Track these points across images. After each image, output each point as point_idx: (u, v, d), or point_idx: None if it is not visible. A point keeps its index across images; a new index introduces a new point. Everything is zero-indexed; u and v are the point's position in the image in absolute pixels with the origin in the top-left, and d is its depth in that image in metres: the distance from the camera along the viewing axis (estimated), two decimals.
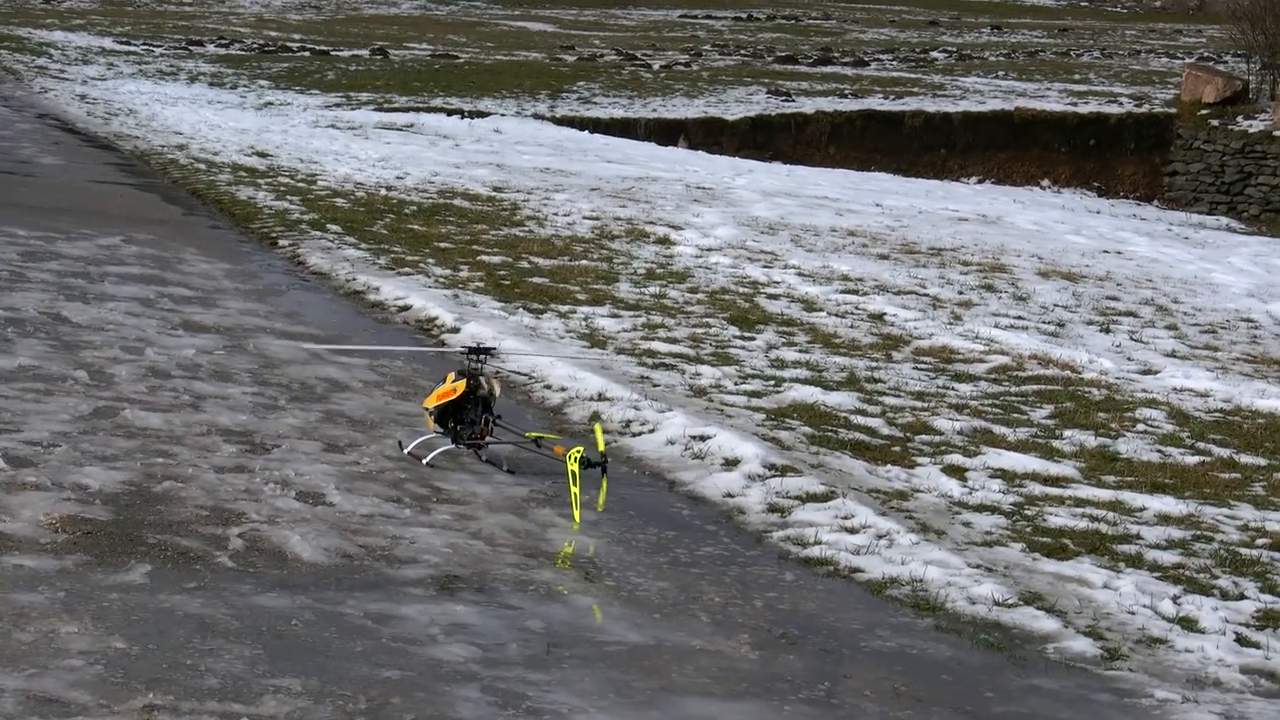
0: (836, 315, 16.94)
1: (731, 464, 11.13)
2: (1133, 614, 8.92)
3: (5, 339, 12.89)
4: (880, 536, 9.82)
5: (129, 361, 12.61)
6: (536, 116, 36.76)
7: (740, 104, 40.09)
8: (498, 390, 10.86)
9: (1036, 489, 11.16)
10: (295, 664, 7.32)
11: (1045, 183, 39.27)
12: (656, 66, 47.46)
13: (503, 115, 36.21)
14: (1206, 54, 56.27)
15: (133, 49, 47.18)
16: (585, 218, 22.43)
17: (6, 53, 43.57)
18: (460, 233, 20.34)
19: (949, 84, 45.73)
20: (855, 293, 18.26)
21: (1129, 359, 15.86)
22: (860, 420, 12.64)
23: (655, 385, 13.23)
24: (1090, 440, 12.56)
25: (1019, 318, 17.58)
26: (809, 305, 17.40)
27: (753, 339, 15.41)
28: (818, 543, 9.69)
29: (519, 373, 13.37)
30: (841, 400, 13.15)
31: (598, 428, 10.40)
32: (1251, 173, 37.07)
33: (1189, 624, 8.82)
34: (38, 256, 16.47)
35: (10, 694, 6.75)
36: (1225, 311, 19.20)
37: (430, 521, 9.55)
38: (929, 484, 11.11)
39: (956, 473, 11.38)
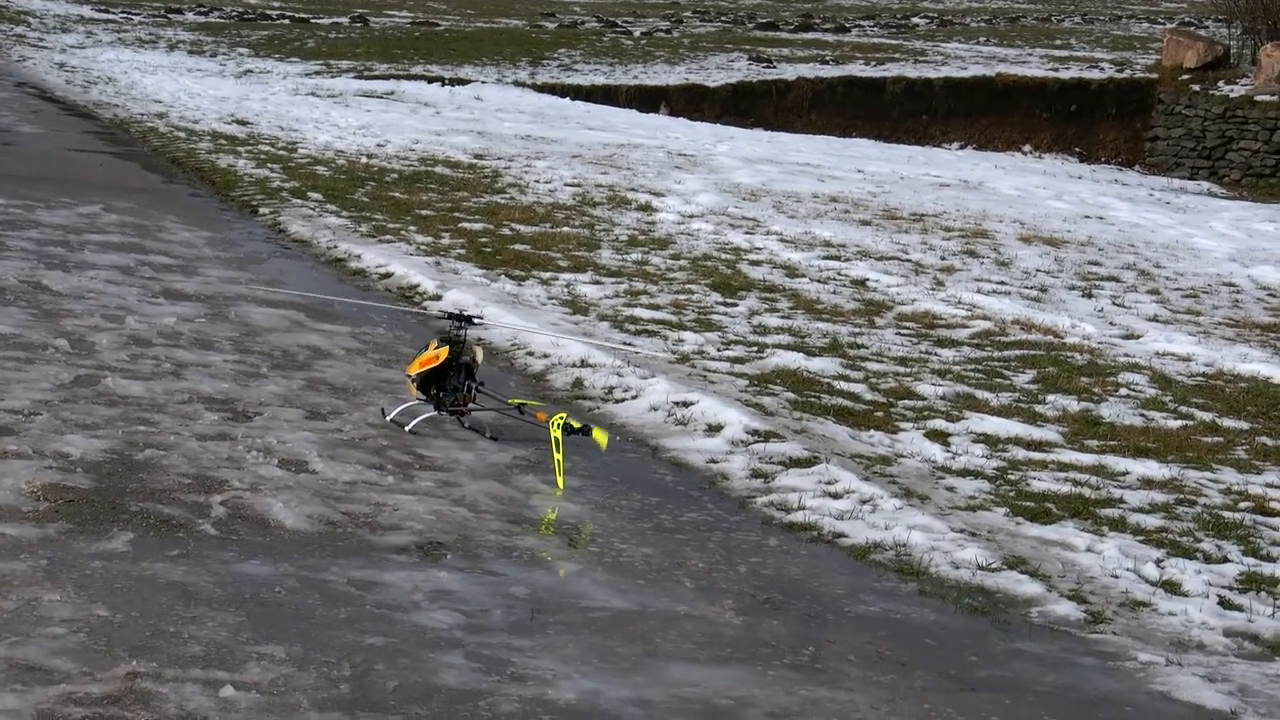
0: (819, 281, 16.93)
1: (715, 430, 11.12)
2: (1116, 578, 8.93)
3: None
4: (864, 502, 9.81)
5: (110, 330, 12.57)
6: (517, 84, 36.69)
7: (721, 70, 40.03)
8: (480, 357, 10.83)
9: (1020, 454, 11.16)
10: (279, 631, 7.30)
11: (1027, 148, 39.26)
12: (637, 33, 47.37)
13: (483, 83, 36.13)
14: (1188, 19, 56.26)
15: (111, 17, 47.01)
16: (567, 185, 22.40)
17: None
18: (441, 200, 20.29)
19: (930, 50, 45.69)
20: (837, 259, 18.25)
21: (1111, 324, 15.87)
22: (843, 386, 12.64)
23: (638, 351, 13.21)
24: (1073, 405, 12.56)
25: (1001, 283, 17.58)
26: (791, 271, 17.38)
27: (735, 305, 15.40)
28: (801, 508, 9.69)
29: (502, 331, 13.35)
30: (824, 366, 13.14)
31: (596, 433, 10.27)
32: (1233, 138, 37.07)
33: (1172, 587, 8.83)
34: (17, 225, 16.41)
35: None
36: (1207, 276, 19.21)
37: (413, 488, 9.54)
38: (912, 449, 11.11)
39: (939, 438, 11.38)
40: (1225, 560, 9.31)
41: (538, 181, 22.52)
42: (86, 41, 40.17)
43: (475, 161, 24.09)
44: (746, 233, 19.53)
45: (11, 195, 17.99)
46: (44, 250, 15.32)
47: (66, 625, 7.15)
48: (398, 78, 35.87)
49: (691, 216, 20.42)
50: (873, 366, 13.34)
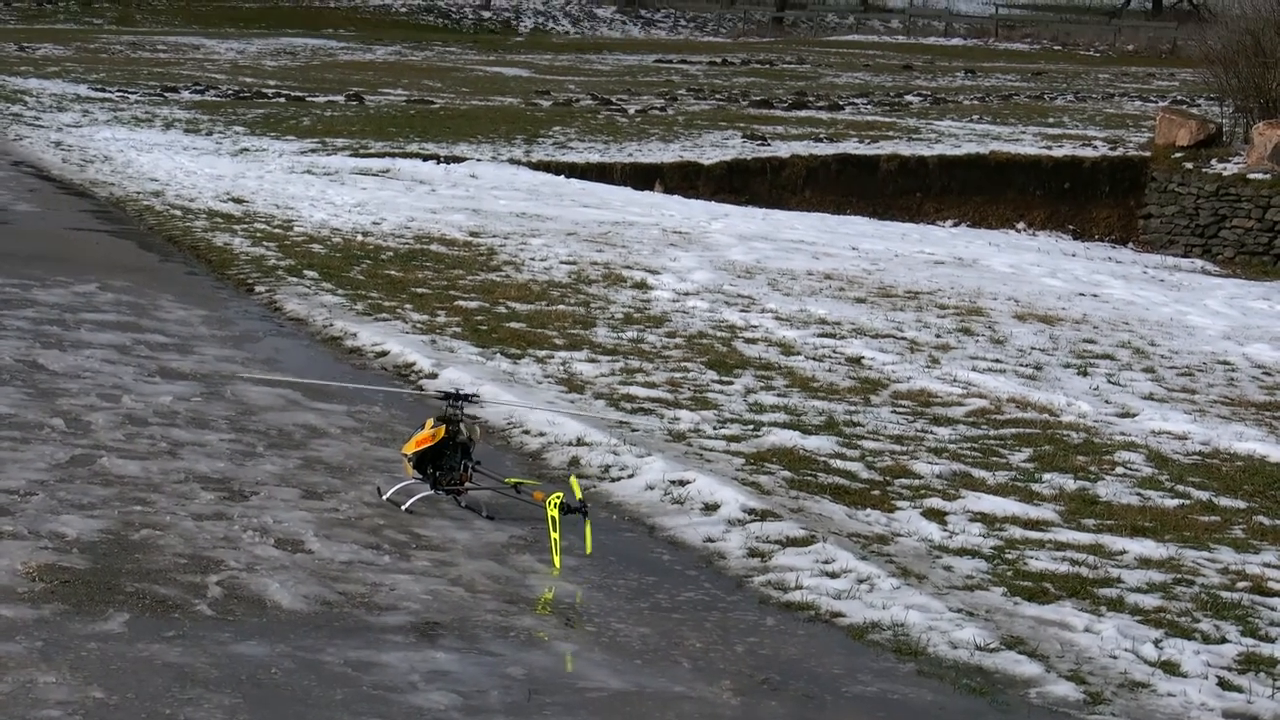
0: (814, 359, 16.94)
1: (711, 509, 11.12)
2: (1115, 658, 8.91)
3: None
4: (861, 581, 9.80)
5: (106, 409, 12.57)
6: (512, 161, 36.75)
7: (716, 148, 40.13)
8: (477, 436, 10.83)
9: (1017, 532, 11.15)
10: (275, 713, 7.28)
11: (1020, 226, 39.33)
12: (632, 111, 47.53)
13: (478, 160, 36.20)
14: (1180, 97, 56.48)
15: (108, 95, 47.15)
16: (562, 262, 22.43)
17: None
18: (437, 278, 20.32)
19: (924, 127, 45.85)
20: (833, 336, 18.27)
21: (1107, 402, 15.87)
22: (839, 464, 12.64)
23: (634, 430, 13.22)
24: (1069, 483, 12.56)
25: (996, 361, 17.59)
26: (787, 349, 17.39)
27: (731, 383, 15.40)
28: (798, 587, 9.67)
29: (501, 405, 13.35)
30: (820, 444, 13.14)
31: (573, 480, 10.35)
32: (1225, 215, 37.16)
33: (1171, 668, 8.81)
34: (13, 304, 16.42)
35: None
36: (1202, 354, 19.22)
37: (410, 568, 9.52)
38: (909, 528, 11.10)
39: (936, 516, 11.37)
40: (1224, 640, 9.30)
41: (533, 259, 22.55)
42: (83, 120, 40.26)
43: (470, 239, 24.13)
44: (742, 310, 19.56)
45: (8, 274, 18.01)
46: (40, 329, 15.33)
47: (62, 707, 7.13)
48: (393, 155, 35.94)
49: (687, 294, 20.45)
50: (869, 445, 13.34)
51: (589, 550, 9.86)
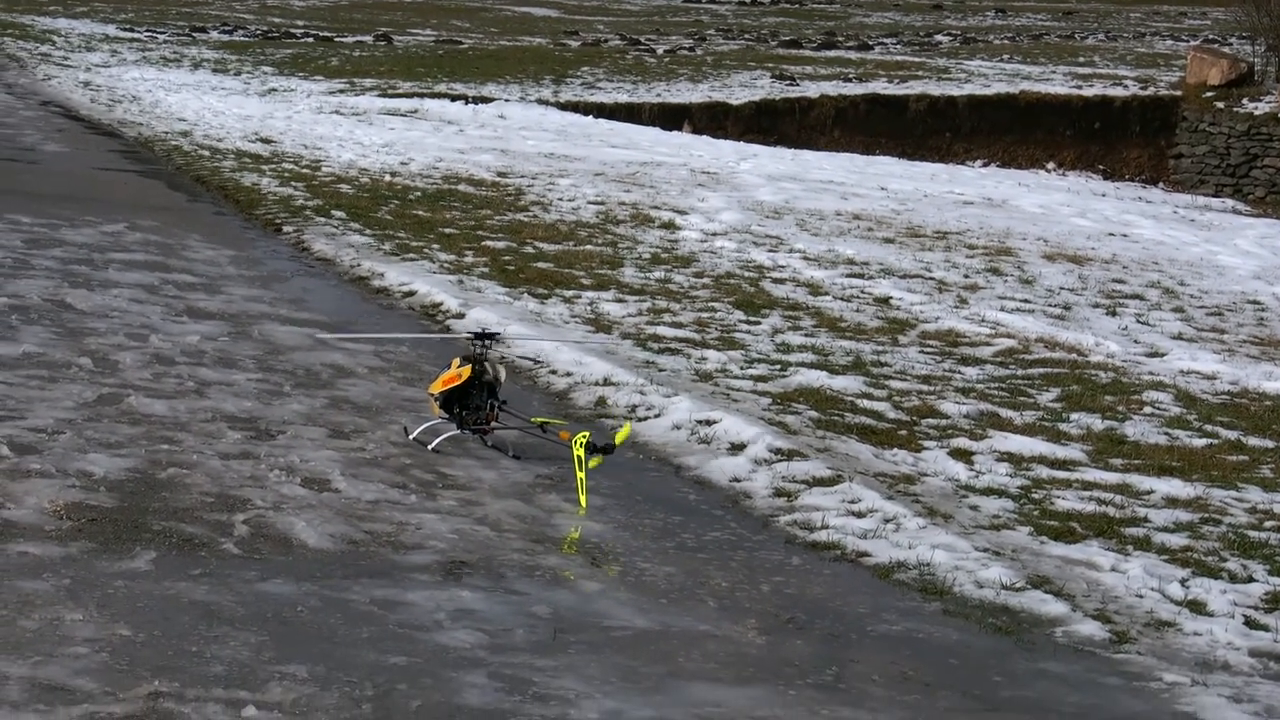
0: (842, 299, 16.90)
1: (738, 448, 11.11)
2: (1141, 597, 8.90)
3: (9, 326, 12.86)
4: (887, 520, 9.79)
5: (133, 348, 12.58)
6: (541, 102, 36.69)
7: (744, 88, 40.01)
8: (503, 375, 10.82)
9: (1044, 472, 11.13)
10: (301, 651, 7.30)
11: (1050, 166, 39.19)
12: (660, 51, 47.39)
13: (507, 101, 36.15)
14: (1211, 36, 56.19)
15: (136, 36, 47.15)
16: (590, 203, 22.40)
17: (10, 40, 43.55)
18: (465, 218, 20.31)
19: (953, 67, 45.67)
20: (861, 277, 18.23)
21: (1135, 341, 15.83)
22: (866, 404, 12.62)
23: (661, 370, 13.21)
24: (1097, 423, 12.53)
25: (1025, 301, 17.54)
26: (814, 289, 17.36)
27: (758, 323, 15.38)
28: (824, 527, 9.67)
29: (525, 357, 13.35)
30: (847, 384, 13.12)
31: (625, 429, 10.26)
32: (1257, 155, 37.00)
33: (1197, 607, 8.80)
34: (41, 244, 16.44)
35: (15, 682, 6.73)
36: (1231, 294, 19.16)
37: (436, 507, 9.53)
38: (936, 468, 11.08)
39: (963, 456, 11.35)
40: (1251, 580, 9.27)
41: (561, 199, 22.52)
42: (111, 60, 40.26)
43: (498, 179, 24.10)
44: (769, 251, 19.52)
45: (36, 214, 18.03)
46: (68, 269, 15.35)
47: (89, 645, 7.15)
48: (421, 96, 35.90)
49: (714, 234, 20.41)
50: (896, 385, 13.31)
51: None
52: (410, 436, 10.81)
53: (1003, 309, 16.87)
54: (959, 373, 13.98)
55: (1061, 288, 18.57)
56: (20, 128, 26.26)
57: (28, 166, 22.15)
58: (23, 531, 8.47)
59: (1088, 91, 41.32)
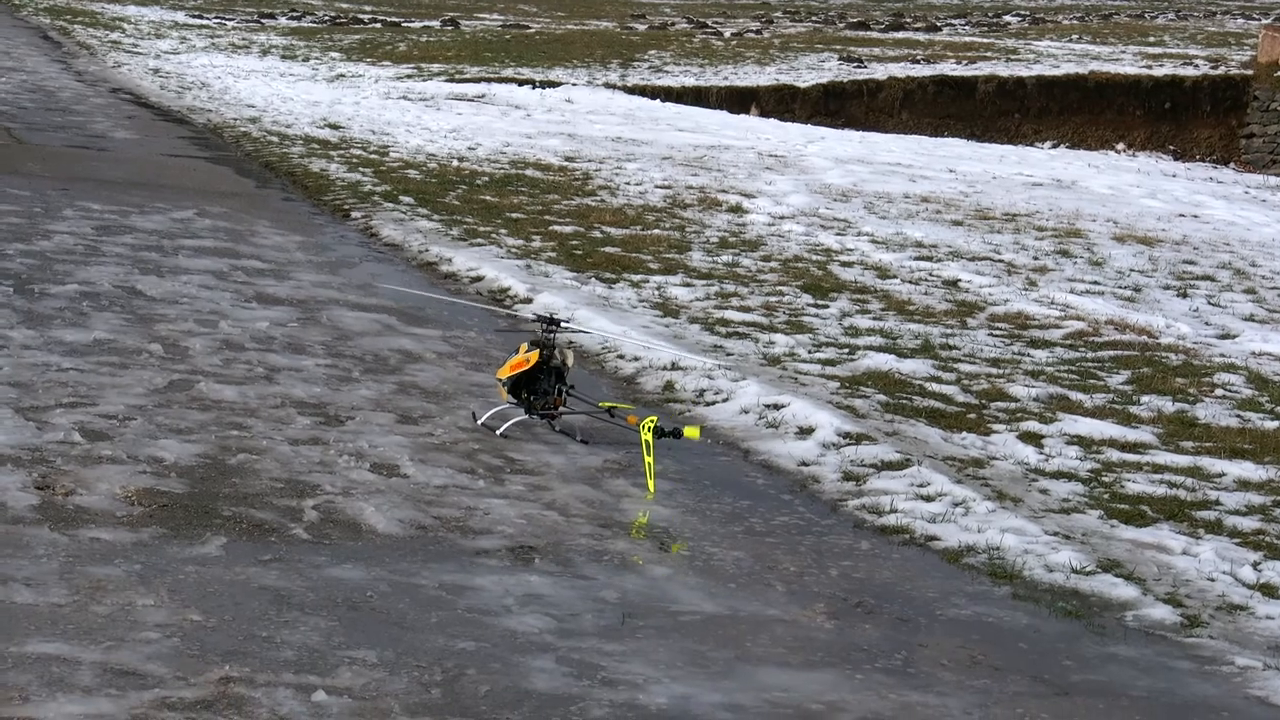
0: (910, 282, 16.85)
1: (806, 432, 11.09)
2: (1212, 581, 8.84)
3: (81, 313, 12.94)
4: (956, 504, 9.76)
5: (203, 334, 12.64)
6: (608, 86, 36.70)
7: (812, 71, 39.93)
8: (571, 360, 10.83)
9: (1114, 455, 11.07)
10: (370, 636, 7.33)
11: (1120, 147, 38.98)
12: (728, 34, 47.32)
13: (574, 85, 36.17)
14: None
15: (205, 22, 47.37)
16: (657, 187, 22.39)
17: (80, 28, 43.80)
18: (532, 203, 20.33)
19: (1022, 48, 45.44)
20: (929, 259, 18.17)
21: (1206, 323, 15.73)
22: (935, 388, 12.58)
23: (729, 354, 13.19)
24: (1168, 406, 12.46)
25: (1095, 283, 17.45)
26: (882, 273, 17.31)
27: (826, 307, 15.34)
28: (893, 511, 9.64)
29: (586, 332, 13.36)
30: (916, 368, 13.08)
31: (694, 430, 10.27)
32: None
33: (1270, 590, 8.74)
34: (112, 230, 16.53)
35: (88, 666, 6.77)
36: None
37: (504, 492, 9.54)
38: (1005, 451, 11.03)
39: (1033, 440, 11.30)
40: None
41: (628, 184, 22.52)
42: (180, 47, 40.47)
43: (566, 164, 24.12)
44: (838, 234, 19.47)
45: (107, 201, 18.13)
46: (138, 255, 15.43)
47: (160, 630, 7.19)
48: (489, 80, 35.96)
49: (782, 218, 20.38)
50: (965, 368, 13.27)
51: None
52: (478, 421, 10.82)
53: (1072, 291, 16.79)
54: (1028, 355, 13.92)
55: (1131, 269, 18.46)
56: (90, 115, 26.41)
57: (98, 154, 22.27)
58: (94, 517, 8.52)
59: (1158, 71, 41.07)
